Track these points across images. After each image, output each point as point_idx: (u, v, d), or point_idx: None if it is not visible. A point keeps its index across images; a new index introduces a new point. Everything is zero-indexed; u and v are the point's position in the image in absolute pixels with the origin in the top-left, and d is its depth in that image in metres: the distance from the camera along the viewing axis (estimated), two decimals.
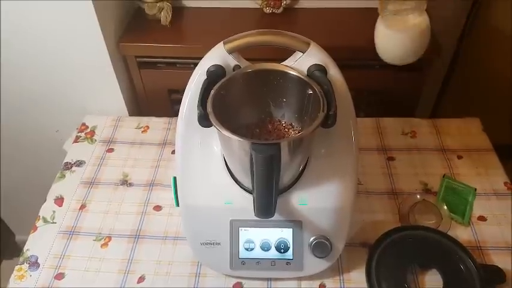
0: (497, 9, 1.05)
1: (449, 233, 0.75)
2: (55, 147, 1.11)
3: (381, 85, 1.04)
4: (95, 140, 0.98)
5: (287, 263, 0.68)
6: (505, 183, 0.85)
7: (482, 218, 0.80)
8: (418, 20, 0.60)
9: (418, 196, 0.82)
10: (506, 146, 0.95)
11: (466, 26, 1.11)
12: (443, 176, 0.86)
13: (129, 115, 1.08)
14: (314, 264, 0.68)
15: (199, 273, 0.73)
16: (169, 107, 1.11)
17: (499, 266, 0.71)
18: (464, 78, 1.18)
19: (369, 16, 1.04)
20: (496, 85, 1.08)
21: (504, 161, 0.89)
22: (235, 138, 0.53)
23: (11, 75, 1.00)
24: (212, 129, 0.56)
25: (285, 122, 0.67)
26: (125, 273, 0.74)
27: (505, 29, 1.02)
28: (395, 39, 0.59)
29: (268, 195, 0.55)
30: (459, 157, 0.91)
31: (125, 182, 0.88)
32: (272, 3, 1.04)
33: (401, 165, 0.90)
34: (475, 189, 0.84)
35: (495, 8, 1.05)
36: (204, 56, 0.63)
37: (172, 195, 0.68)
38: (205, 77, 0.60)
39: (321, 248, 0.66)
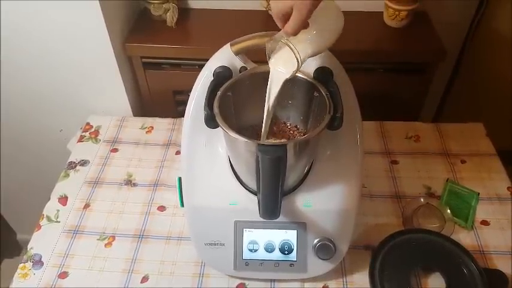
0: (502, 14, 1.05)
1: (453, 236, 0.76)
2: (58, 147, 1.11)
3: (385, 88, 1.04)
4: (99, 140, 0.98)
5: (291, 265, 0.68)
6: (508, 188, 0.85)
7: (485, 223, 0.80)
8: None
9: (422, 200, 0.82)
10: (509, 151, 0.95)
11: (470, 30, 1.12)
12: (447, 180, 0.87)
13: (134, 115, 1.08)
14: (318, 266, 0.69)
15: (202, 274, 0.74)
16: (173, 108, 1.11)
17: (502, 270, 0.71)
18: (468, 82, 1.18)
19: (373, 20, 1.05)
20: (500, 90, 1.08)
21: (507, 166, 0.90)
22: (241, 139, 0.53)
23: (16, 75, 1.00)
24: (217, 130, 0.57)
25: (290, 124, 0.68)
26: (128, 272, 0.74)
27: (509, 34, 1.02)
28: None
29: (274, 197, 0.55)
30: (462, 161, 0.91)
31: (129, 182, 0.89)
32: None
33: (404, 168, 0.90)
34: (478, 194, 0.84)
35: (499, 13, 1.06)
36: (211, 58, 0.64)
37: (177, 196, 0.68)
38: (212, 78, 0.60)
39: (325, 250, 0.66)
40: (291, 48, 0.51)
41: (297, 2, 0.47)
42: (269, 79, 0.56)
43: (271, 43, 0.54)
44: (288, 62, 0.53)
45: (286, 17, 0.49)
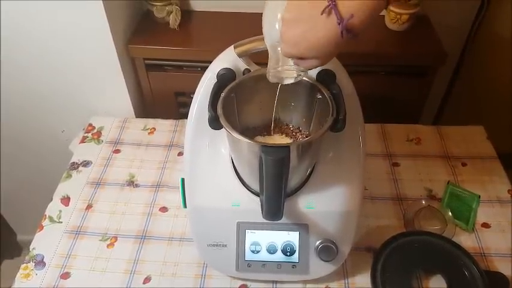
0: (502, 17, 1.06)
1: (454, 239, 0.76)
2: (59, 148, 1.11)
3: (386, 91, 1.05)
4: (102, 141, 0.98)
5: (293, 266, 0.68)
6: (509, 191, 0.86)
7: (486, 225, 0.80)
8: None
9: (423, 202, 0.83)
10: (509, 154, 0.96)
11: (471, 33, 1.12)
12: (448, 183, 0.87)
13: (136, 117, 1.09)
14: (320, 267, 0.69)
15: (205, 275, 0.74)
16: (175, 110, 1.11)
17: (503, 272, 0.71)
18: (468, 85, 1.18)
19: (375, 23, 1.06)
20: (501, 93, 1.08)
21: (507, 169, 0.90)
22: (245, 140, 0.53)
23: (19, 76, 1.00)
24: (220, 132, 0.57)
25: (293, 126, 0.68)
26: (130, 273, 0.74)
27: (509, 37, 1.03)
28: None
29: (278, 198, 0.55)
30: (463, 164, 0.91)
31: (131, 183, 0.89)
32: None
33: (406, 171, 0.90)
34: (479, 196, 0.84)
35: (500, 16, 1.06)
36: (214, 60, 0.64)
37: (179, 197, 0.68)
38: (216, 80, 0.61)
39: (327, 251, 0.66)
40: (296, 73, 0.54)
41: (321, 56, 0.48)
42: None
43: (275, 75, 0.55)
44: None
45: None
